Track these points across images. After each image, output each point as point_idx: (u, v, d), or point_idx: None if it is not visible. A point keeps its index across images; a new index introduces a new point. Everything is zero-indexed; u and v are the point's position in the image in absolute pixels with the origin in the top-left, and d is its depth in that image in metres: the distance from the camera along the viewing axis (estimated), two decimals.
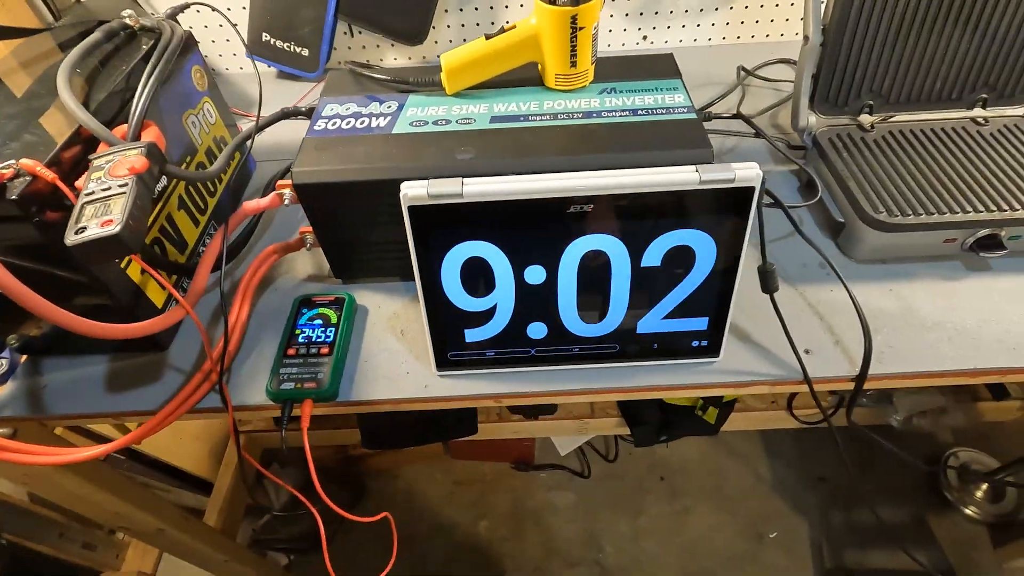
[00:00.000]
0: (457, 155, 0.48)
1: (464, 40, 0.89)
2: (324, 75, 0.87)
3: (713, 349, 0.49)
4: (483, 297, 0.46)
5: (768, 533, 1.23)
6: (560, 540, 1.24)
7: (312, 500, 0.50)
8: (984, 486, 1.24)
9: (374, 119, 0.53)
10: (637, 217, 0.42)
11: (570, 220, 0.42)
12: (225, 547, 0.98)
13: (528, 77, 0.56)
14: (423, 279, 0.45)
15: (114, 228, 0.37)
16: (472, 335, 0.48)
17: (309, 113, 0.61)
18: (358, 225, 0.52)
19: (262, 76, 0.91)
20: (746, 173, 0.40)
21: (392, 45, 0.89)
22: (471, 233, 0.43)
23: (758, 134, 0.65)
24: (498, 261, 0.44)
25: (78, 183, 0.42)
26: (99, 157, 0.43)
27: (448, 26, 0.87)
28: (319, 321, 0.53)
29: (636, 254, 0.43)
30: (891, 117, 0.64)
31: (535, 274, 0.45)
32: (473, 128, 0.51)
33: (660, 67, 0.57)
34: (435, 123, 0.52)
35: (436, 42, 0.89)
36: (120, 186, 0.40)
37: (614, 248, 0.43)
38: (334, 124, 0.53)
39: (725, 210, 0.41)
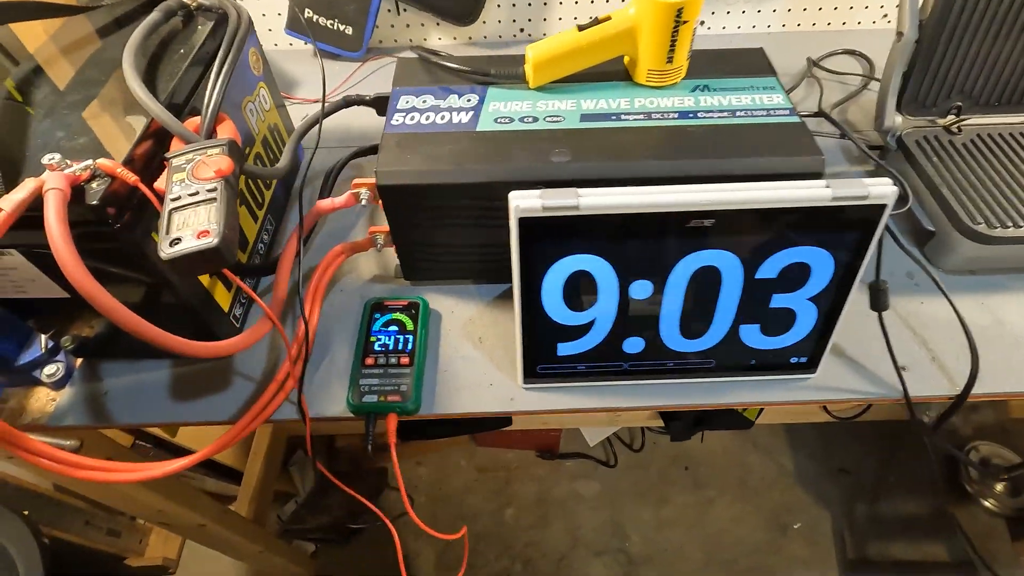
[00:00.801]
0: (552, 157, 0.45)
1: (514, 21, 0.84)
2: (366, 55, 0.83)
3: (811, 365, 0.47)
4: (583, 311, 0.44)
5: (791, 524, 1.24)
6: (585, 529, 1.25)
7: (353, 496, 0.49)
8: (1004, 480, 1.25)
9: (454, 114, 0.50)
10: (757, 232, 0.39)
11: (688, 234, 0.39)
12: (259, 538, 0.97)
13: (611, 71, 0.53)
14: (523, 292, 0.42)
15: (212, 240, 0.34)
16: (565, 349, 0.46)
17: (374, 102, 0.58)
18: (438, 227, 0.49)
19: (297, 54, 0.87)
20: (880, 190, 0.37)
21: (437, 24, 0.85)
22: (580, 246, 0.40)
23: (844, 135, 0.62)
24: (604, 275, 0.41)
25: (157, 185, 0.39)
26: (177, 156, 0.40)
27: (498, 6, 0.83)
28: (394, 328, 0.51)
29: (750, 269, 0.41)
30: (979, 119, 0.61)
31: (641, 289, 0.42)
32: (563, 127, 0.48)
33: (751, 62, 0.54)
34: (521, 120, 0.49)
35: (484, 22, 0.85)
36: (208, 191, 0.37)
37: (728, 263, 0.41)
38: (412, 118, 0.49)
39: (850, 227, 0.39)
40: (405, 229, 0.49)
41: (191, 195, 0.37)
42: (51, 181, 0.34)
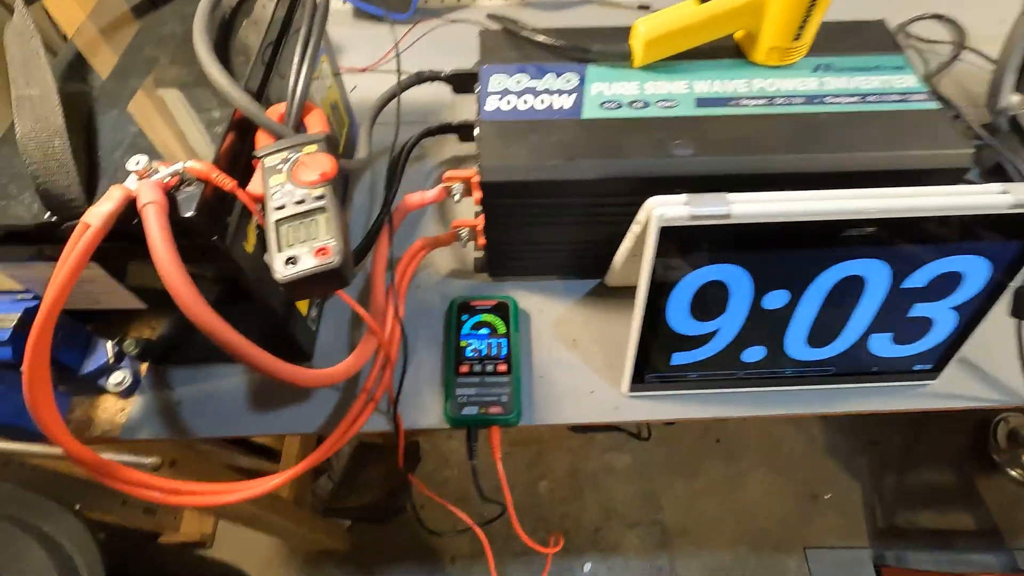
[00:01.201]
0: (672, 150, 0.41)
1: None
2: (414, 16, 0.76)
3: (935, 371, 0.45)
4: (708, 321, 0.40)
5: (823, 495, 1.26)
6: (619, 501, 1.25)
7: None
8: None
9: (555, 97, 0.45)
10: (916, 240, 0.36)
11: (842, 243, 0.36)
12: (302, 519, 0.96)
13: (720, 47, 0.48)
14: (648, 302, 0.39)
15: (333, 259, 0.30)
16: (679, 359, 0.43)
17: (452, 79, 0.53)
18: (539, 224, 0.45)
19: (334, 15, 0.80)
20: None
21: None
22: (720, 256, 0.36)
23: (957, 115, 0.58)
24: (740, 285, 0.38)
25: (251, 189, 0.35)
26: (268, 155, 0.35)
27: None
28: (485, 331, 0.48)
29: (899, 279, 0.38)
30: None
31: (776, 299, 0.39)
32: (678, 114, 0.43)
33: (873, 37, 0.49)
34: (630, 105, 0.44)
35: None
36: (316, 198, 0.33)
37: (876, 272, 0.37)
38: (508, 103, 0.44)
39: (1018, 234, 0.36)
40: (502, 226, 0.45)
41: (297, 203, 0.32)
42: (146, 193, 0.30)
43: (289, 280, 0.30)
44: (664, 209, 0.33)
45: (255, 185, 0.34)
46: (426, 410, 0.46)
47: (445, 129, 0.55)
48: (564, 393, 0.46)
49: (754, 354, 0.43)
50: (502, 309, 0.49)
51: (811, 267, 0.37)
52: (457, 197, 0.44)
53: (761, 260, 0.37)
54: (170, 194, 0.32)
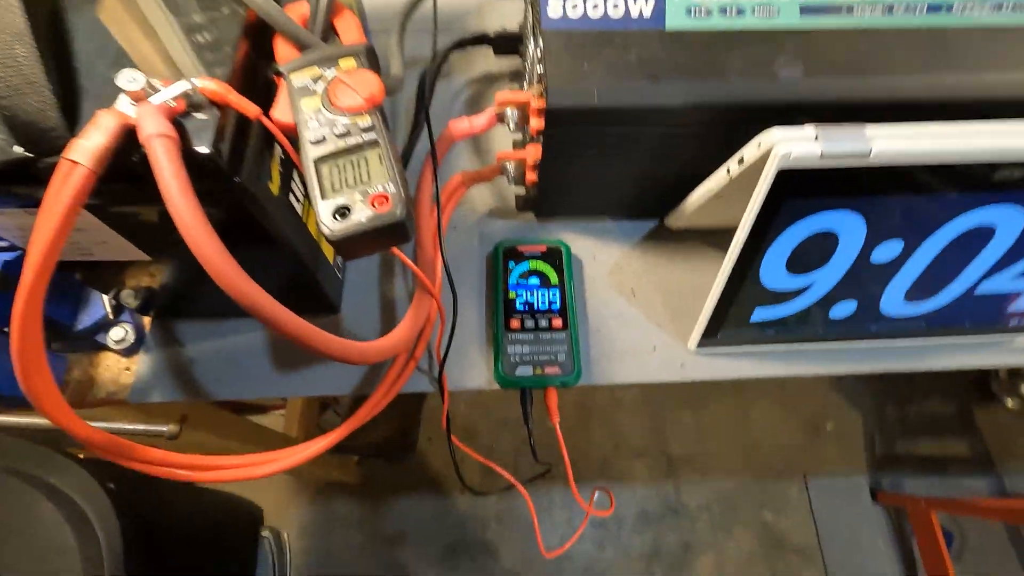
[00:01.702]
0: (779, 71, 0.34)
1: None
2: None
3: None
4: (804, 274, 0.35)
5: (825, 426, 1.28)
6: (626, 434, 1.26)
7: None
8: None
9: (631, 1, 0.37)
10: None
11: (986, 188, 0.30)
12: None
13: None
14: (743, 253, 0.33)
15: (396, 211, 0.24)
16: (761, 314, 0.38)
17: None
18: (607, 157, 0.38)
19: None
20: None
21: None
22: (839, 201, 0.31)
23: None
24: (852, 235, 0.33)
25: (276, 116, 0.27)
26: (296, 71, 0.28)
27: None
28: (535, 280, 0.42)
29: None
30: None
31: (888, 251, 0.34)
32: (780, 24, 0.36)
33: None
34: (722, 12, 0.36)
35: None
36: (364, 130, 0.26)
37: (1011, 220, 0.32)
38: (575, 8, 0.36)
39: None
40: (561, 159, 0.38)
41: (340, 136, 0.26)
42: (150, 122, 0.23)
43: (342, 236, 0.23)
44: (790, 146, 0.27)
45: (282, 111, 0.27)
46: (472, 369, 0.41)
47: (480, 40, 0.47)
48: (624, 350, 0.42)
49: (843, 310, 0.38)
50: (554, 255, 0.43)
51: (940, 215, 0.32)
52: (512, 125, 0.37)
53: (883, 207, 0.31)
54: (177, 122, 0.25)
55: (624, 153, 0.38)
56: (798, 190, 0.29)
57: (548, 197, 0.43)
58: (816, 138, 0.28)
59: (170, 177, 0.22)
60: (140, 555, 0.68)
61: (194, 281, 0.38)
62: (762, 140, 0.29)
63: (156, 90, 0.24)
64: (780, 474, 1.23)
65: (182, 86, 0.24)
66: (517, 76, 0.52)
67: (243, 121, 0.27)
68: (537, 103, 0.35)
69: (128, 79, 0.24)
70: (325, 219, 0.24)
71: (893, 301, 0.38)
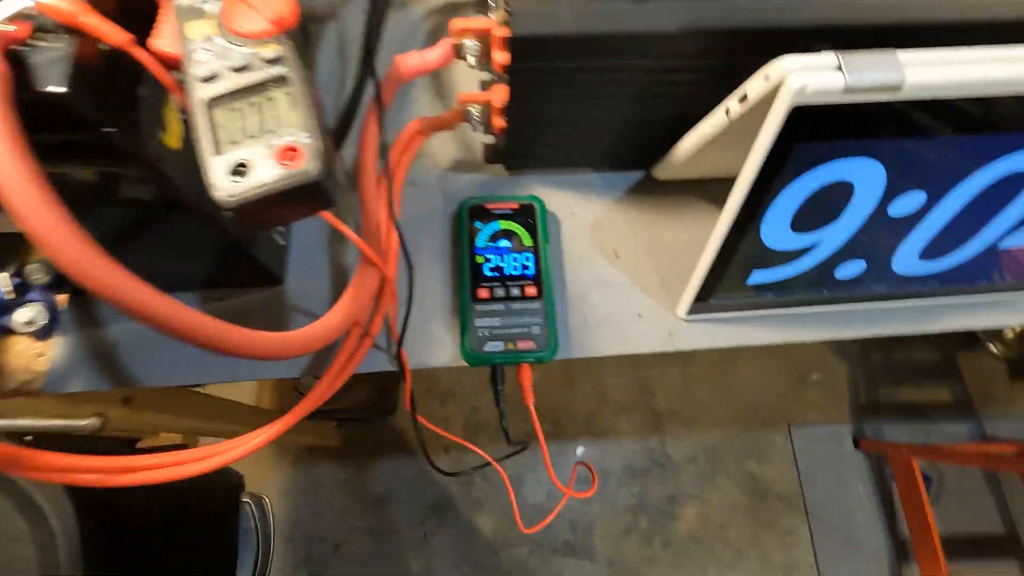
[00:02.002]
0: None
1: None
2: None
3: None
4: (810, 232, 0.31)
5: (811, 375, 1.27)
6: (612, 389, 1.25)
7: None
8: (1016, 330, 1.28)
9: None
10: None
11: None
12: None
13: None
14: (743, 208, 0.29)
15: (309, 167, 0.19)
16: (759, 276, 0.34)
17: None
18: (584, 97, 0.33)
19: None
20: None
21: None
22: (857, 146, 0.26)
23: None
24: (870, 186, 0.28)
25: (155, 45, 0.21)
26: None
27: None
28: (506, 243, 0.37)
29: None
30: None
31: (908, 203, 0.29)
32: None
33: None
34: None
35: None
36: (269, 63, 0.20)
37: None
38: None
39: None
40: (532, 100, 0.33)
41: (237, 70, 0.20)
42: None
43: (239, 204, 0.18)
44: (807, 78, 0.22)
45: (166, 39, 0.21)
46: (435, 345, 0.37)
47: None
48: (606, 319, 0.38)
49: (851, 270, 0.34)
50: (526, 213, 0.38)
51: (970, 161, 0.27)
52: (472, 59, 0.31)
53: (906, 152, 0.27)
54: (15, 53, 0.19)
55: (605, 91, 0.32)
56: (812, 133, 0.24)
57: (519, 146, 0.38)
58: (839, 67, 0.22)
59: None
60: (105, 534, 0.65)
61: (112, 249, 0.33)
62: (770, 71, 0.24)
63: None
64: (765, 424, 1.23)
65: (18, 3, 0.18)
66: (485, 4, 0.45)
67: (118, 54, 0.21)
68: (500, 31, 0.29)
69: None
70: (218, 180, 0.18)
71: (907, 259, 0.34)
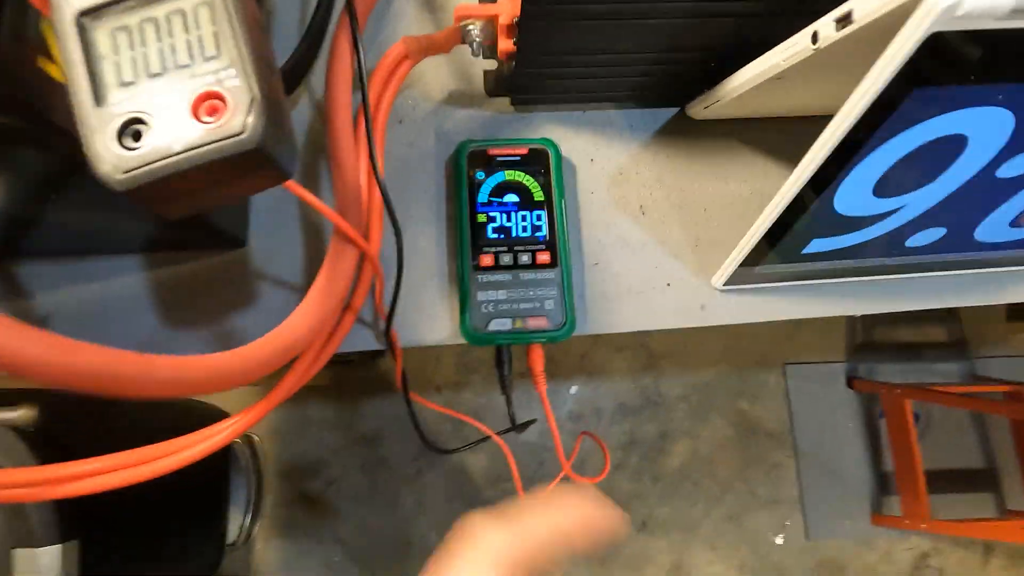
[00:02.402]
0: None
1: None
2: None
3: None
4: (894, 197, 0.25)
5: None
6: None
7: None
8: None
9: None
10: None
11: None
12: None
13: None
14: (822, 168, 0.22)
15: (238, 125, 0.12)
16: (818, 245, 0.28)
17: None
18: (608, 12, 0.25)
19: None
20: None
21: None
22: (994, 92, 0.19)
23: None
24: (988, 141, 0.22)
25: None
26: None
27: None
28: (513, 198, 0.31)
29: None
30: None
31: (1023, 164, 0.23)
32: None
33: None
34: None
35: None
36: None
37: None
38: None
39: None
40: (553, 16, 0.25)
41: None
42: None
43: (134, 183, 0.12)
44: None
45: None
46: (430, 318, 0.31)
47: None
48: (629, 289, 0.32)
49: (926, 238, 0.29)
50: (538, 160, 0.31)
51: None
52: None
53: None
54: None
55: (645, 5, 0.25)
56: (944, 73, 0.18)
57: (529, 75, 0.30)
58: None
59: None
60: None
61: (39, 204, 0.26)
62: None
63: None
64: (759, 364, 1.22)
65: None
66: None
67: None
68: None
69: None
70: (102, 146, 0.12)
71: (995, 226, 0.28)
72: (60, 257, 0.31)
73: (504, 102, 0.34)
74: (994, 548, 1.20)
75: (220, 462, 1.03)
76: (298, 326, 0.22)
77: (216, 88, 0.12)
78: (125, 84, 0.12)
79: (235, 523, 1.06)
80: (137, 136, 0.12)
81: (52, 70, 0.17)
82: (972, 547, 1.20)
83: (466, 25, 0.28)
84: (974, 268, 0.32)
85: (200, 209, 0.14)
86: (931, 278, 0.33)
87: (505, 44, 0.28)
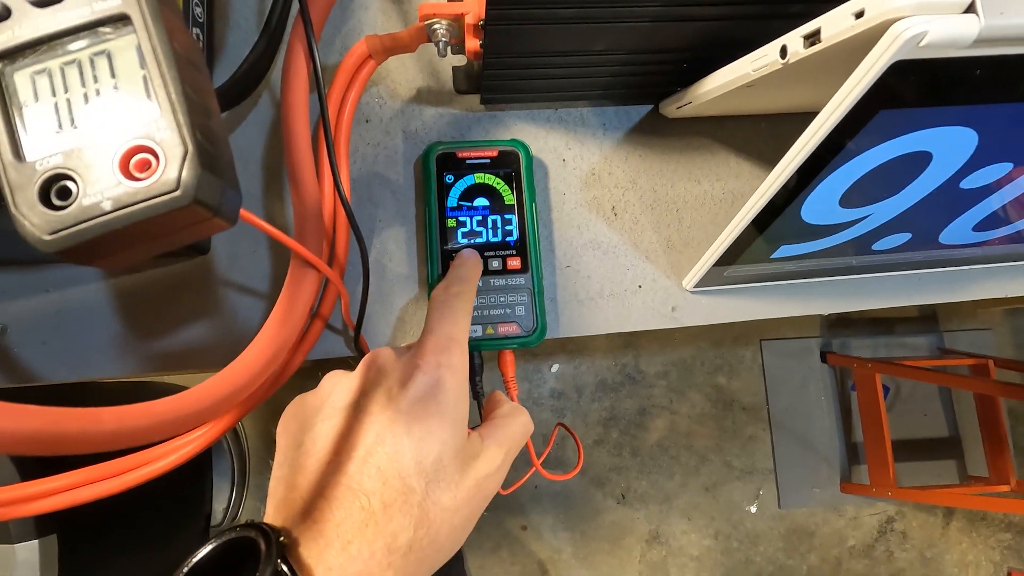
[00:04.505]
0: None
1: None
2: None
3: None
4: (860, 208, 0.25)
5: None
6: None
7: None
8: None
9: None
10: None
11: None
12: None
13: None
14: (788, 185, 0.22)
15: (174, 181, 0.12)
16: (787, 251, 0.28)
17: None
18: (580, 13, 0.25)
19: None
20: None
21: None
22: (955, 113, 0.19)
23: None
24: (953, 156, 0.22)
25: None
26: None
27: None
28: (483, 201, 0.30)
29: None
30: None
31: (988, 175, 0.23)
32: None
33: None
34: None
35: None
36: (116, 18, 0.12)
37: None
38: None
39: None
40: (517, 15, 0.25)
41: (38, 2, 0.12)
42: None
43: (64, 246, 0.11)
44: (925, 23, 0.15)
45: None
46: (402, 324, 0.31)
47: None
48: (601, 291, 0.32)
49: (892, 242, 0.29)
50: (508, 162, 0.31)
51: None
52: None
53: (1007, 117, 0.20)
54: None
55: (618, 6, 0.24)
56: (908, 96, 0.18)
57: (498, 74, 0.29)
58: (971, 6, 0.15)
59: None
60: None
61: None
62: (867, 5, 0.16)
63: None
64: (737, 341, 1.25)
65: None
66: None
67: None
68: None
69: None
70: (25, 206, 0.11)
71: (959, 231, 0.28)
72: (14, 265, 0.30)
73: (474, 99, 0.33)
74: (954, 512, 1.26)
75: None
76: (252, 362, 0.21)
77: (146, 142, 0.11)
78: (48, 135, 0.12)
79: (220, 505, 1.07)
80: (65, 193, 0.11)
81: None
82: (934, 511, 1.25)
83: (432, 24, 0.27)
84: (940, 267, 0.33)
85: (137, 261, 0.14)
86: (898, 277, 0.33)
87: (472, 44, 0.27)
